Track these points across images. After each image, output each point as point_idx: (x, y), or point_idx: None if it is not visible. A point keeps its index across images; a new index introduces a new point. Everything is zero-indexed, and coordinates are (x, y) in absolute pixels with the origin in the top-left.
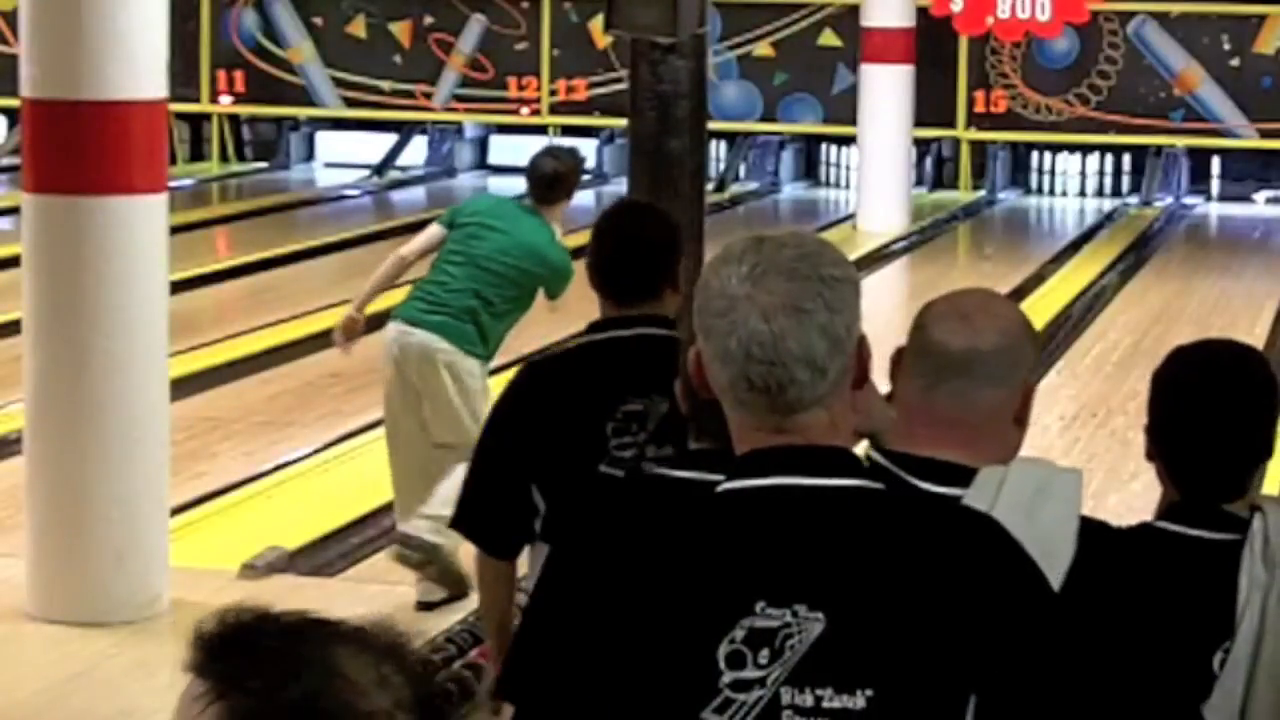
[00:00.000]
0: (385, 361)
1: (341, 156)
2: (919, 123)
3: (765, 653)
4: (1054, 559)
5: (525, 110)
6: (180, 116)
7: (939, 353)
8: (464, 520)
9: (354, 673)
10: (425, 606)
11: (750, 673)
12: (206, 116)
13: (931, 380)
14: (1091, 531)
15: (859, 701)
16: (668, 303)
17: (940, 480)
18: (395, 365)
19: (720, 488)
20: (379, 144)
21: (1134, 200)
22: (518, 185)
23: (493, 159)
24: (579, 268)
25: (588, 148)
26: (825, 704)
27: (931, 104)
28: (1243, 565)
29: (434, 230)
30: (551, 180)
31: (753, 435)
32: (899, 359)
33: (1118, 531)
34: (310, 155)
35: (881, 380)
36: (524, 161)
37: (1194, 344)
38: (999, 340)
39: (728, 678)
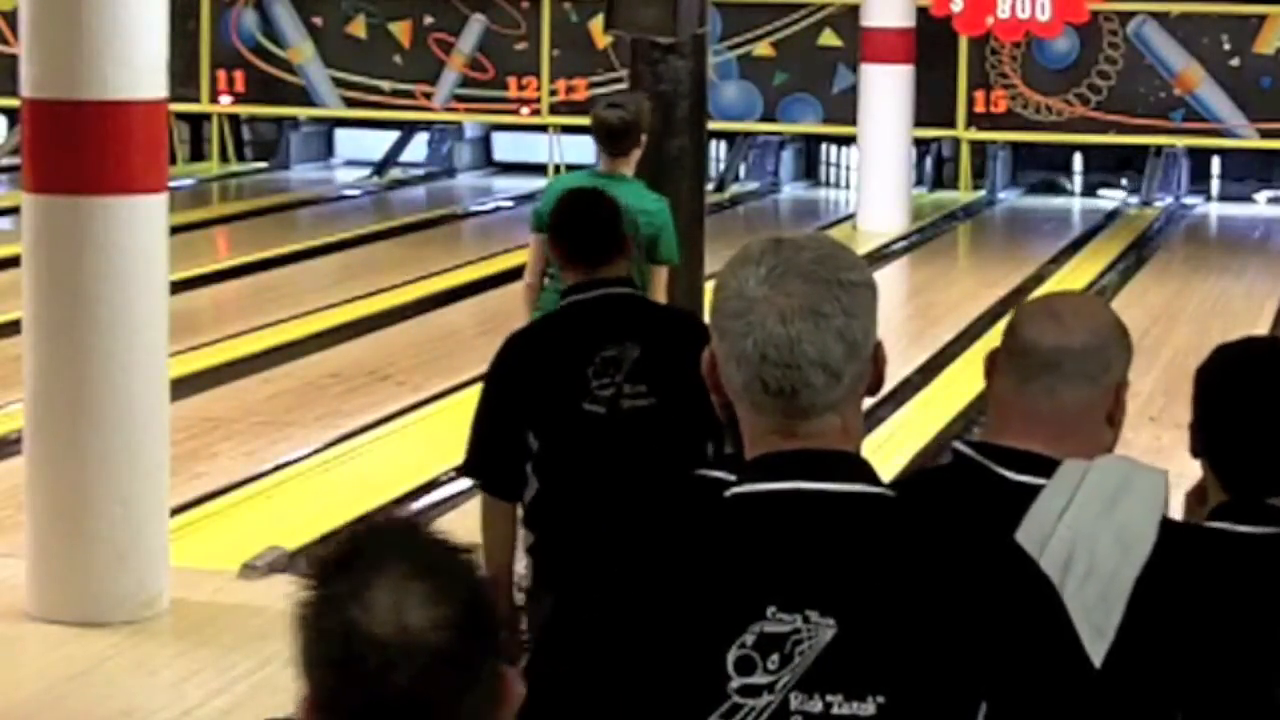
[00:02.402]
0: None
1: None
2: (919, 123)
3: (775, 658)
4: (1131, 552)
5: (525, 110)
6: (180, 116)
7: (1030, 350)
8: (473, 468)
9: (378, 594)
10: None
11: (759, 678)
12: (206, 116)
13: (1022, 376)
14: (1175, 532)
15: (869, 708)
16: (621, 265)
17: (1025, 469)
18: None
19: (730, 491)
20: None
21: (1134, 200)
22: (524, 183)
23: (497, 156)
24: None
25: (588, 147)
26: (834, 711)
27: (931, 104)
28: None
29: (535, 240)
30: (622, 130)
31: (765, 439)
32: (993, 361)
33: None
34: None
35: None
36: (528, 158)
37: (1237, 340)
38: (1088, 339)
39: (736, 683)
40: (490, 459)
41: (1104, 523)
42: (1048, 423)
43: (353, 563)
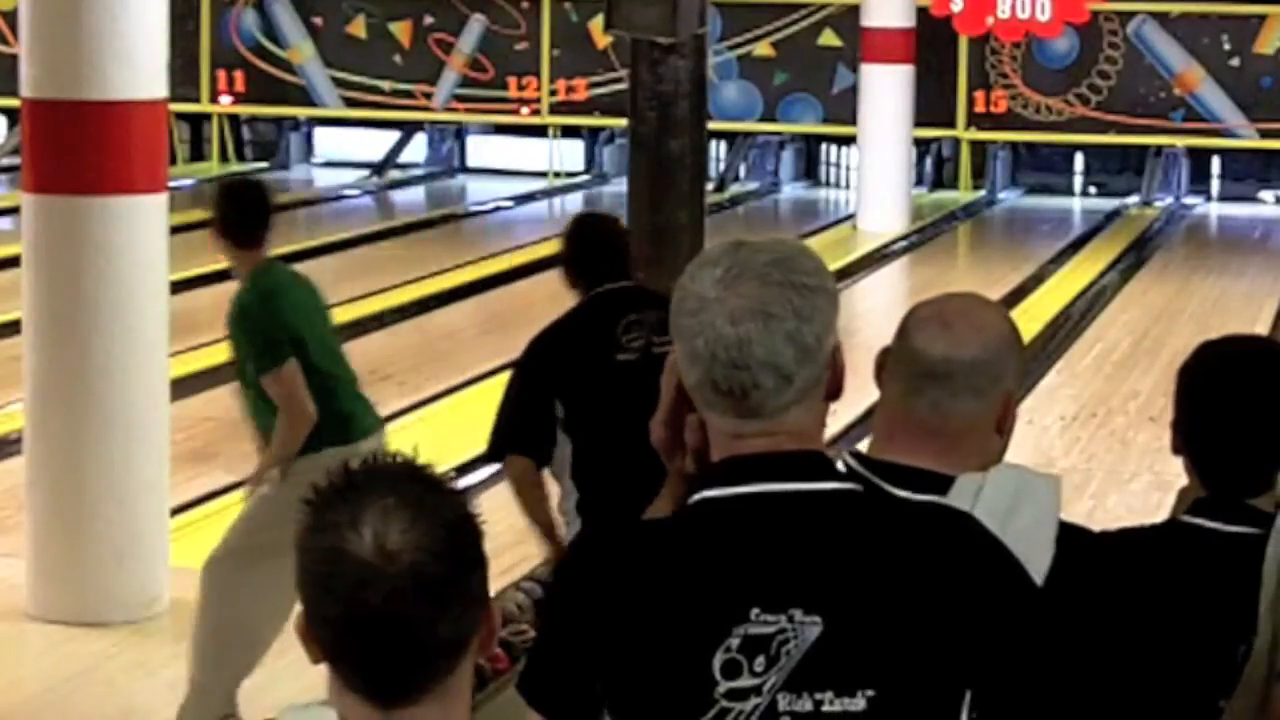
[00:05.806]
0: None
1: (340, 154)
2: (919, 123)
3: (761, 660)
4: (1029, 564)
5: (525, 110)
6: (180, 116)
7: (918, 360)
8: (505, 439)
9: (365, 519)
10: None
11: (746, 681)
12: (206, 116)
13: (909, 387)
14: (1071, 537)
15: (859, 703)
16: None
17: (917, 488)
18: None
19: (697, 496)
20: (377, 141)
21: (1134, 200)
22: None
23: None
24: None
25: (582, 150)
26: (825, 708)
27: (931, 104)
28: (1267, 558)
29: (294, 369)
30: (266, 210)
31: (724, 440)
32: (884, 361)
33: (1111, 534)
34: (309, 153)
35: (867, 380)
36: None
37: (1221, 339)
38: (979, 352)
39: (723, 687)
40: (522, 425)
41: (1004, 538)
42: (935, 436)
43: (347, 492)
